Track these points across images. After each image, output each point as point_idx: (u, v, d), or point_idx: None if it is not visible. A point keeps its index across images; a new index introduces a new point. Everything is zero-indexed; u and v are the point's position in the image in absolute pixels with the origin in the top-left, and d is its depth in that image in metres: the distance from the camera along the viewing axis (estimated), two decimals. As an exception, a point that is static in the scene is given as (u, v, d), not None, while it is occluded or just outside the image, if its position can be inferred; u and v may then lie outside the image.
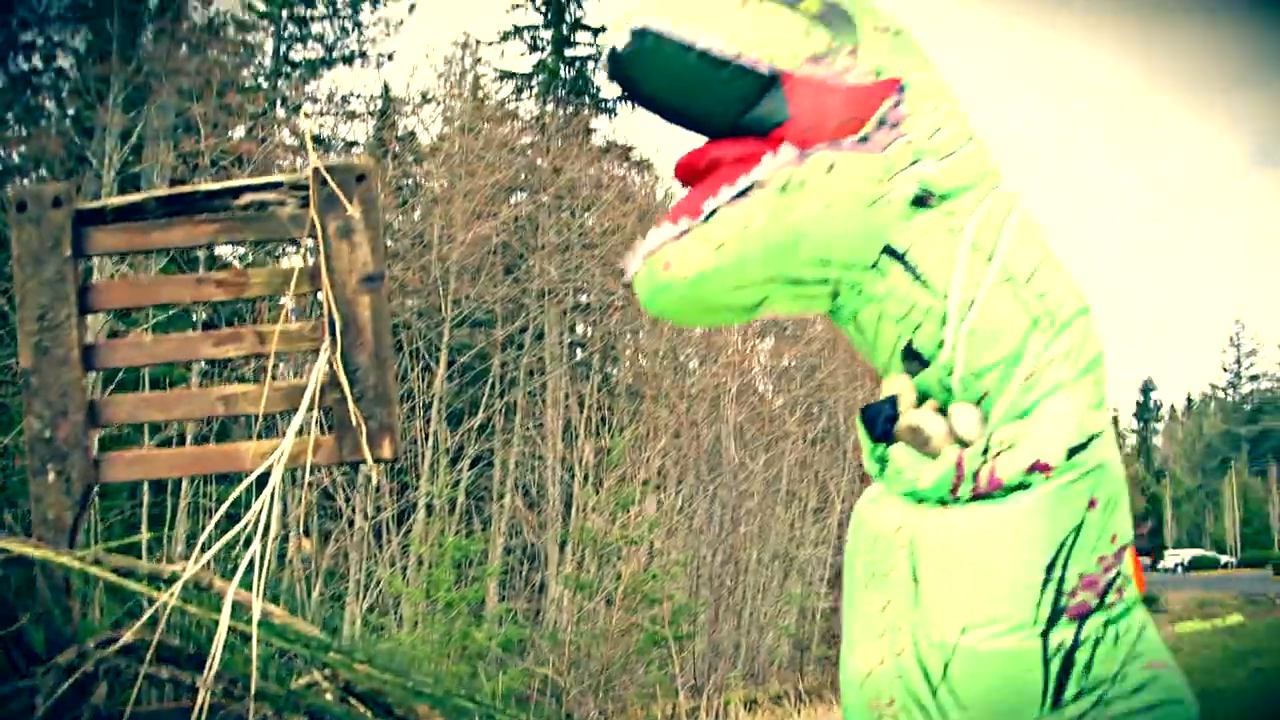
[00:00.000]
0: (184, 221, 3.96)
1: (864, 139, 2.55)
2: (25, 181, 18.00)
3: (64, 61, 20.80)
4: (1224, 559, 76.76)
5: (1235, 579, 56.23)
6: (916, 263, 2.59)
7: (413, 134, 23.79)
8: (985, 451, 2.50)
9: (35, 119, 20.49)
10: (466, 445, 16.96)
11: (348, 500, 14.86)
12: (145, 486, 14.57)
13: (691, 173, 2.61)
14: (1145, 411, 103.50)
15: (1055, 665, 2.48)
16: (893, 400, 2.67)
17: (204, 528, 13.82)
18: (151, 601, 3.36)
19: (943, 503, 2.54)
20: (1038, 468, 2.46)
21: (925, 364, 2.61)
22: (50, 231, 3.92)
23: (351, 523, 14.91)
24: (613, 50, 2.52)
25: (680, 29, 2.47)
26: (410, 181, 21.50)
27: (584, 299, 21.71)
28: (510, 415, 18.54)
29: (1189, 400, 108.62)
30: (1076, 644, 2.48)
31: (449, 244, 17.76)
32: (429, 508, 15.31)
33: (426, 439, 16.09)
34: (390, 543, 14.87)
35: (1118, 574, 2.53)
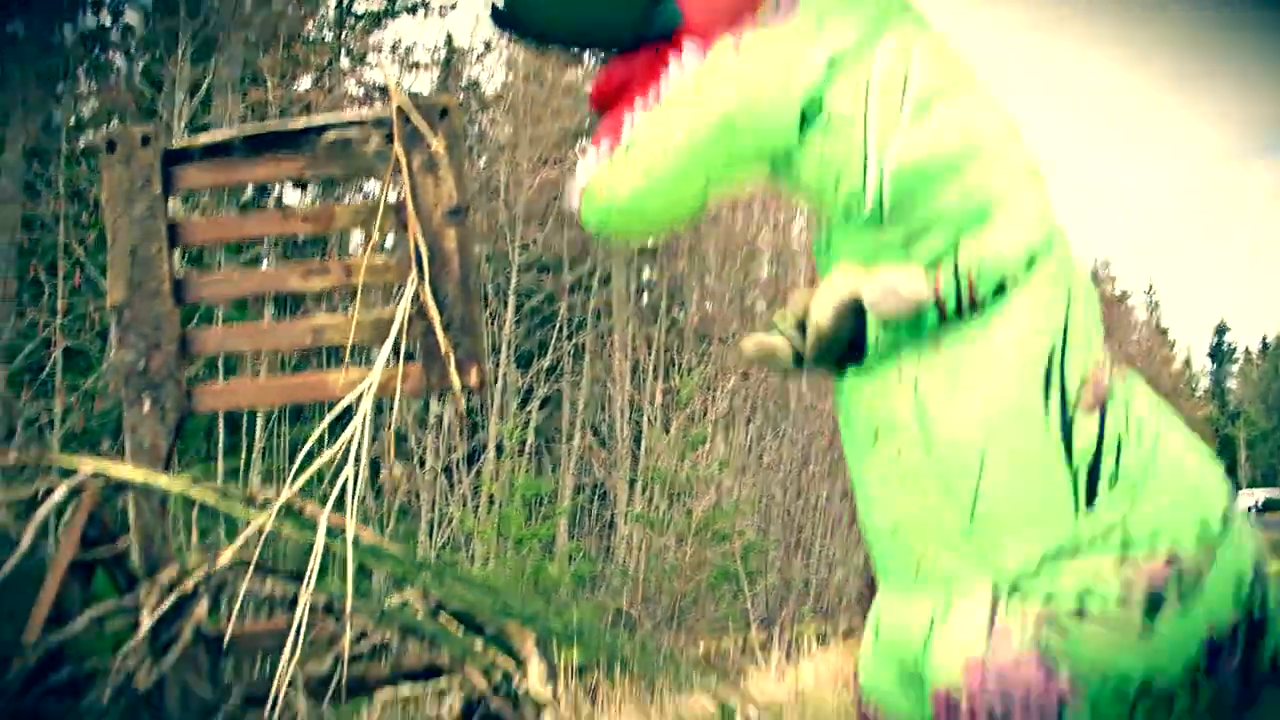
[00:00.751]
0: (269, 158, 4.05)
1: (764, 19, 2.57)
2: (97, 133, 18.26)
3: (131, 17, 21.00)
4: (1298, 500, 75.72)
5: (1310, 520, 55.50)
6: (836, 120, 2.59)
7: (477, 83, 23.83)
8: (955, 272, 2.52)
9: (104, 74, 20.73)
10: (536, 386, 17.09)
11: (419, 441, 15.06)
12: (220, 431, 14.88)
13: (604, 98, 2.64)
14: (1219, 353, 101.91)
15: (1082, 468, 2.51)
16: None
17: (279, 469, 14.13)
18: (248, 525, 3.47)
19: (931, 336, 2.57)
20: (1013, 278, 2.48)
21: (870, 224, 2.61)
22: (140, 170, 4.01)
23: (423, 463, 15.12)
24: (492, 4, 2.55)
25: None
26: (476, 130, 21.57)
27: (651, 243, 21.70)
28: (578, 357, 18.65)
29: (1264, 342, 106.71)
30: (1101, 439, 2.50)
31: (516, 190, 17.83)
32: (499, 448, 15.47)
33: (496, 381, 16.23)
34: (461, 483, 15.06)
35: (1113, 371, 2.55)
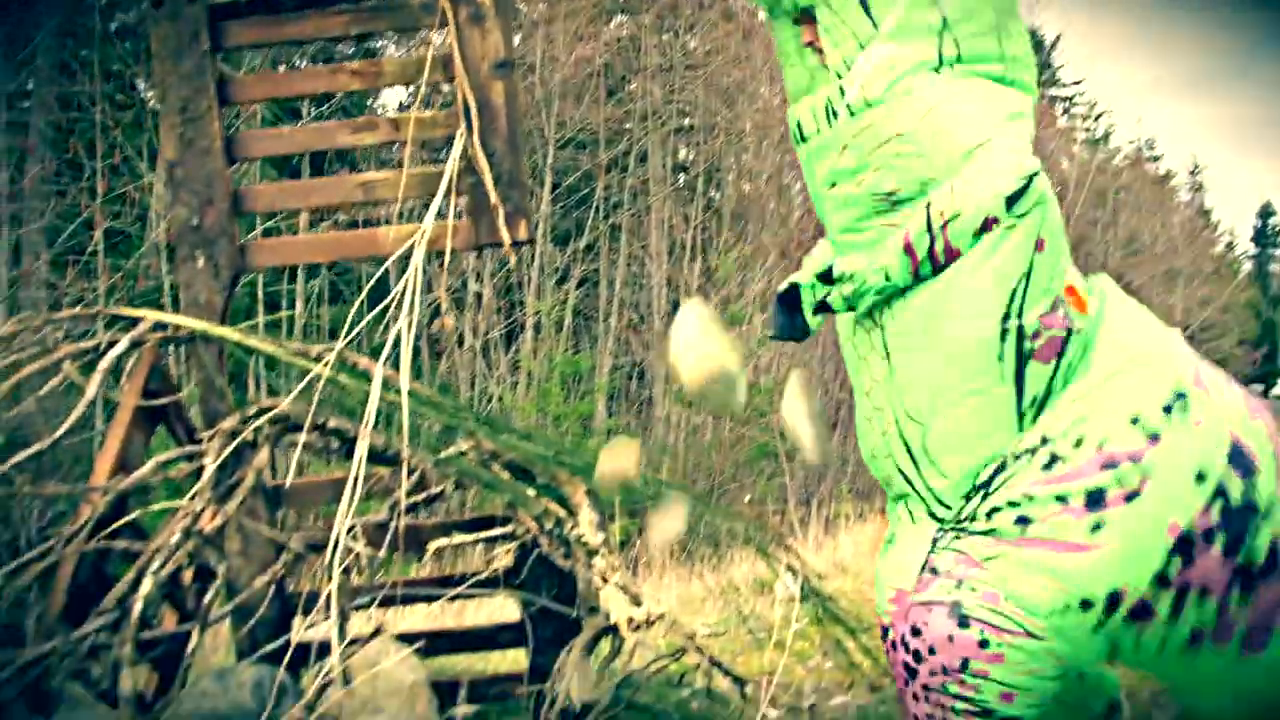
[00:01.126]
0: (316, 14, 4.03)
1: None
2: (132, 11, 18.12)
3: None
4: (1338, 386, 75.20)
5: (1349, 405, 55.13)
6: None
7: (511, -45, 23.45)
8: (928, 227, 2.51)
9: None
10: (573, 266, 17.11)
11: (458, 318, 15.14)
12: (260, 312, 14.99)
13: None
14: (1263, 237, 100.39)
15: (1030, 412, 2.52)
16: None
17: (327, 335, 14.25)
18: (304, 375, 3.52)
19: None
20: (987, 226, 2.47)
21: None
22: (187, 26, 4.00)
23: (461, 341, 15.23)
24: None
25: None
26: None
27: (687, 122, 21.48)
28: (615, 237, 18.61)
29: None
30: (1052, 381, 2.52)
31: (551, 66, 17.65)
32: (536, 327, 15.56)
33: (533, 260, 16.26)
34: (499, 362, 15.18)
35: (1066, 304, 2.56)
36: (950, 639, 2.44)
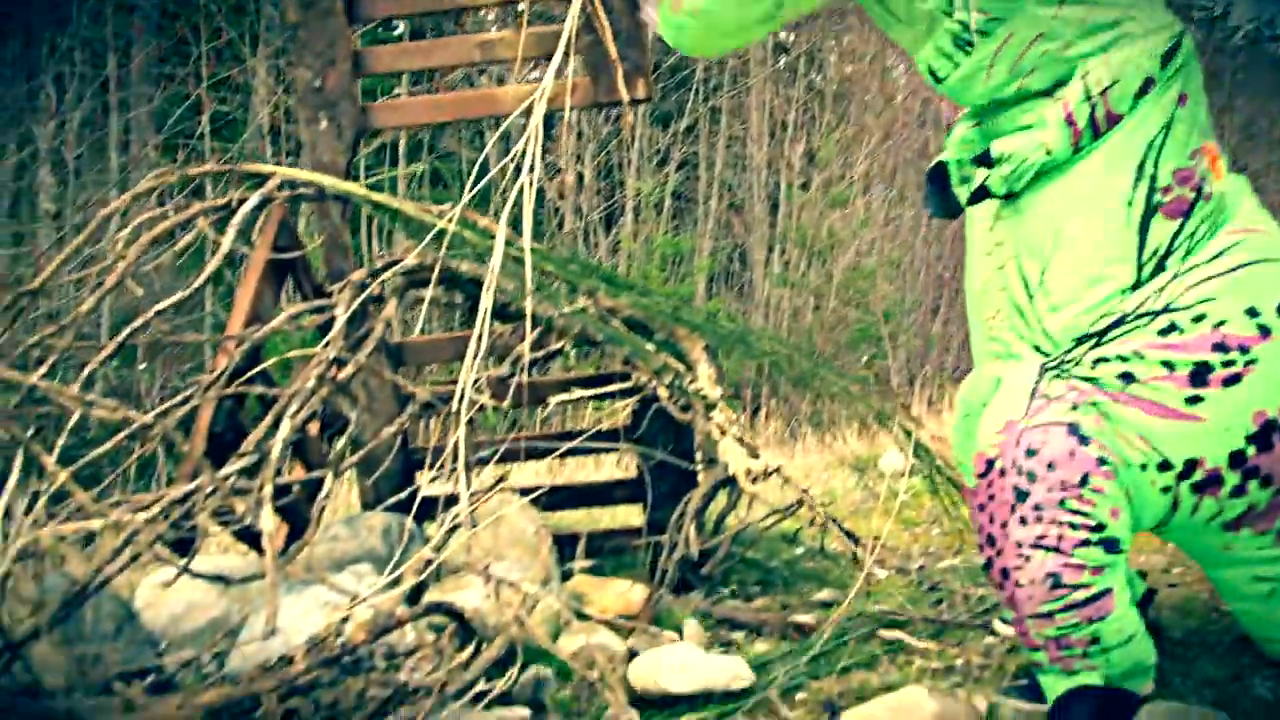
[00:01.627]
0: None
1: None
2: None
3: None
4: None
5: None
6: None
7: None
8: (1087, 96, 2.56)
9: None
10: (673, 149, 17.02)
11: (563, 188, 15.17)
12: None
13: None
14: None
15: (1150, 264, 2.57)
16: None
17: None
18: (429, 230, 3.59)
19: None
20: (1145, 89, 2.55)
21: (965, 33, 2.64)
22: (304, -113, 4.02)
23: (561, 224, 15.29)
24: None
25: None
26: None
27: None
28: (715, 119, 18.44)
29: None
30: (1174, 240, 2.55)
31: (651, -56, 17.37)
32: (636, 210, 15.55)
33: (633, 142, 16.20)
34: (599, 243, 15.22)
35: (1204, 167, 2.59)
36: (1071, 454, 2.51)
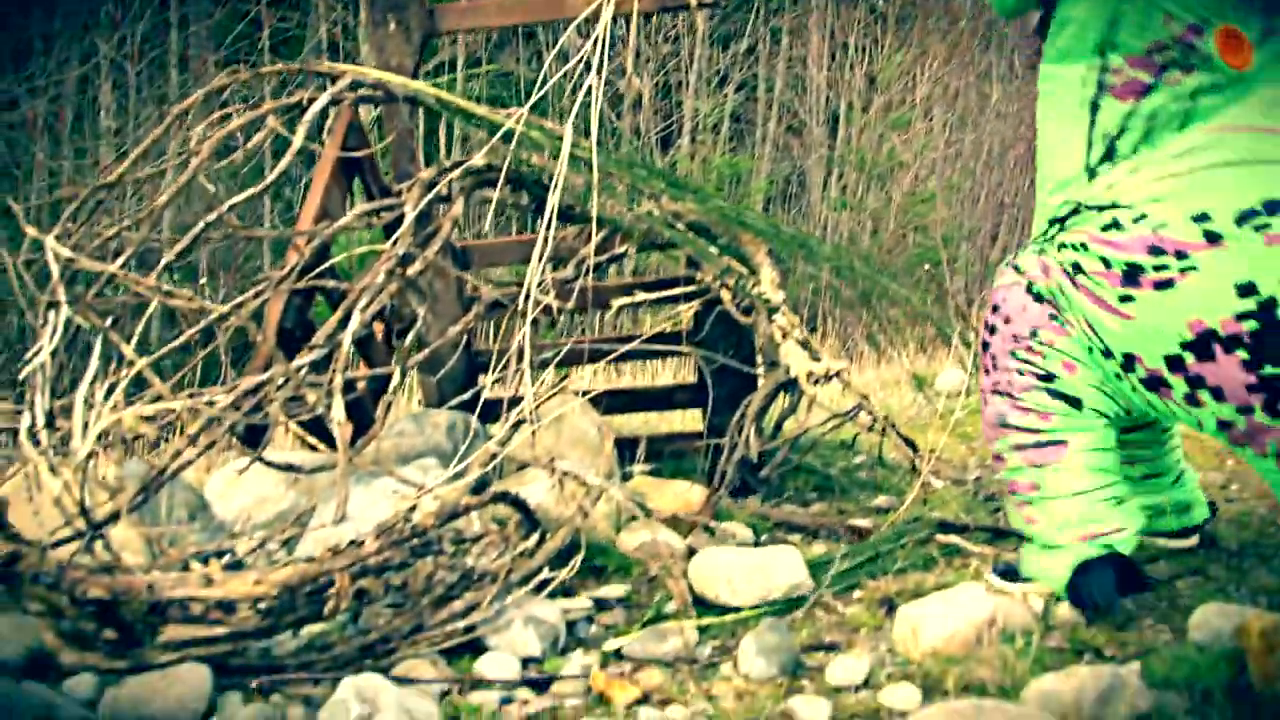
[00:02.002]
0: None
1: None
2: None
3: None
4: None
5: None
6: None
7: None
8: None
9: None
10: (732, 70, 16.85)
11: (616, 118, 15.12)
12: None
13: None
14: None
15: (1098, 145, 2.60)
16: None
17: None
18: (496, 130, 3.61)
19: None
20: None
21: None
22: None
23: (618, 145, 15.23)
24: None
25: None
26: None
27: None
28: (775, 40, 18.23)
29: None
30: (1126, 122, 2.56)
31: None
32: (694, 131, 15.46)
33: (691, 63, 16.06)
34: (656, 163, 15.16)
35: (1184, 51, 2.52)
36: (1024, 309, 2.74)
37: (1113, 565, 2.75)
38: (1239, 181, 2.46)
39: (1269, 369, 2.40)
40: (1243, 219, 2.42)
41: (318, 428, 3.56)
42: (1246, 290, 2.40)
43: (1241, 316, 2.41)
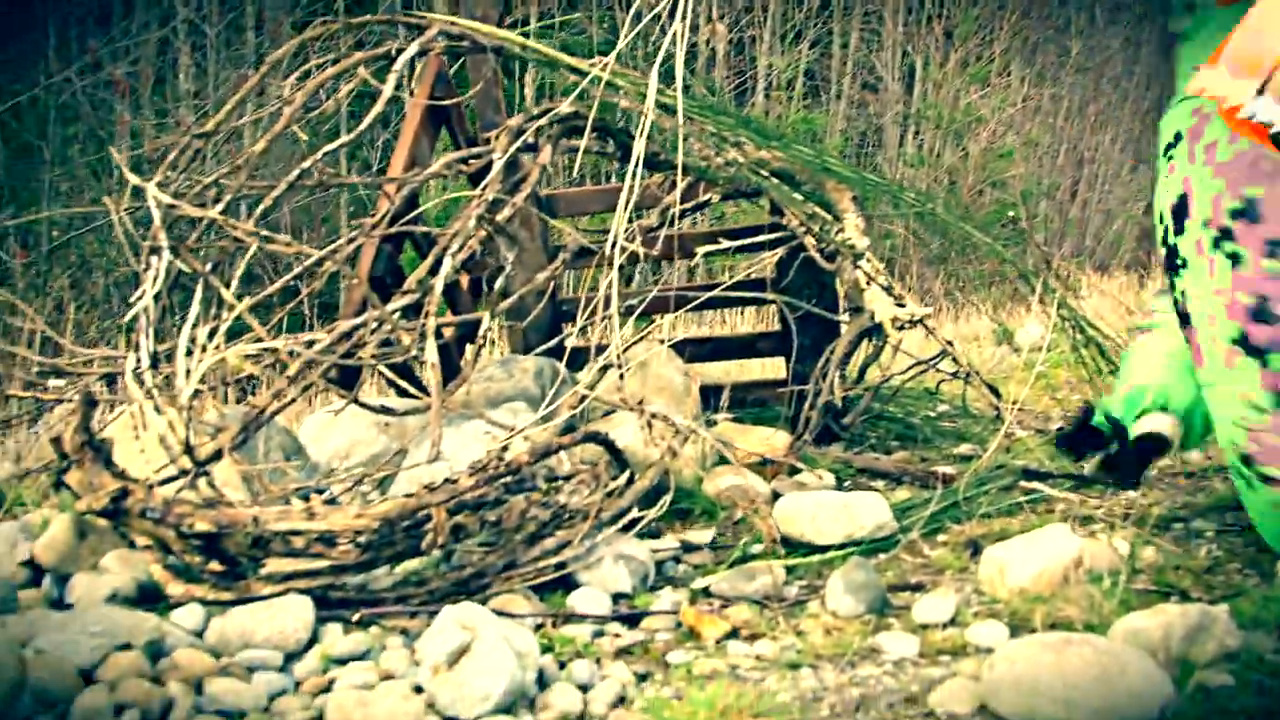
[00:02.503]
0: None
1: None
2: None
3: None
4: None
5: None
6: None
7: None
8: None
9: None
10: (806, 27, 16.71)
11: (690, 74, 15.05)
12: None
13: None
14: None
15: None
16: None
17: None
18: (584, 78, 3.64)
19: None
20: None
21: None
22: None
23: (692, 97, 15.14)
24: None
25: None
26: None
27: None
28: (851, -4, 18.08)
29: None
30: None
31: None
32: (767, 88, 15.36)
33: (765, 18, 15.95)
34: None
35: None
36: None
37: None
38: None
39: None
40: None
41: (406, 373, 3.64)
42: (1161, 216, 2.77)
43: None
